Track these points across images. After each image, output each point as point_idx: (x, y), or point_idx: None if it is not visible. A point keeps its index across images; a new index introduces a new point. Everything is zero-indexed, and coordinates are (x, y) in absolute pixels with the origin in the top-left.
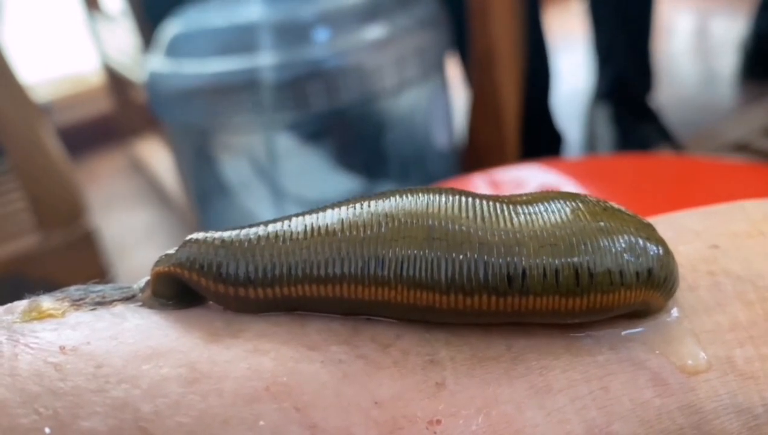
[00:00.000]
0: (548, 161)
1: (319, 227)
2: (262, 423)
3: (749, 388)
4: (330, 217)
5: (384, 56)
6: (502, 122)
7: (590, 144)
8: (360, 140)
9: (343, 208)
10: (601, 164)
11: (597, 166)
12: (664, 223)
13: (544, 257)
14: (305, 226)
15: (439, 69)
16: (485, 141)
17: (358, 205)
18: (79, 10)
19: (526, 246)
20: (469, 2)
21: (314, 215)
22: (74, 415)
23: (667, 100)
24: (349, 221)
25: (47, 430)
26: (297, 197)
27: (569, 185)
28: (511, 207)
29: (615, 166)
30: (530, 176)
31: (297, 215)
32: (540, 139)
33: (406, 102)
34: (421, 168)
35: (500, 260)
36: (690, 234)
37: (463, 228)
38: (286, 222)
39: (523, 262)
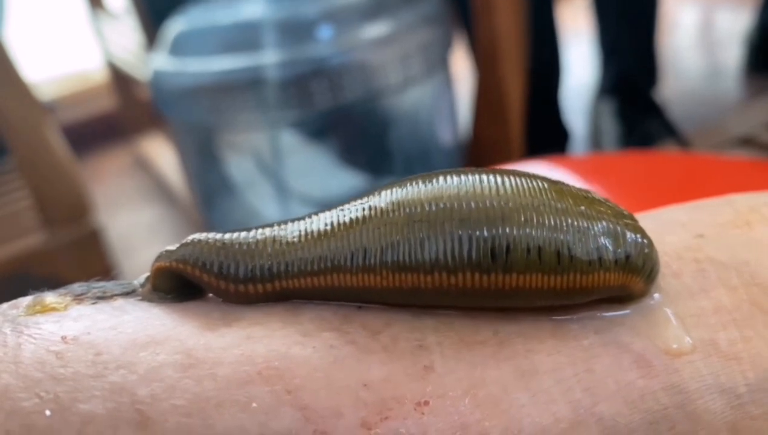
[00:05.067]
0: (552, 158)
1: (312, 231)
2: (254, 405)
3: (732, 368)
4: (323, 219)
5: (388, 53)
6: (507, 118)
7: (595, 139)
8: (364, 137)
9: (335, 210)
10: (605, 161)
11: (601, 164)
12: (650, 217)
13: (527, 230)
14: (299, 231)
15: (443, 65)
16: (490, 137)
17: (347, 205)
18: (82, 8)
19: (510, 218)
20: None
21: (308, 219)
22: (74, 398)
23: (671, 94)
24: (339, 219)
25: (48, 412)
26: (301, 195)
27: (573, 183)
28: (497, 176)
29: (620, 163)
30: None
31: (293, 220)
32: (547, 135)
33: (410, 99)
34: (425, 164)
35: (484, 233)
36: (676, 225)
37: (446, 205)
38: (283, 226)
39: (507, 236)
